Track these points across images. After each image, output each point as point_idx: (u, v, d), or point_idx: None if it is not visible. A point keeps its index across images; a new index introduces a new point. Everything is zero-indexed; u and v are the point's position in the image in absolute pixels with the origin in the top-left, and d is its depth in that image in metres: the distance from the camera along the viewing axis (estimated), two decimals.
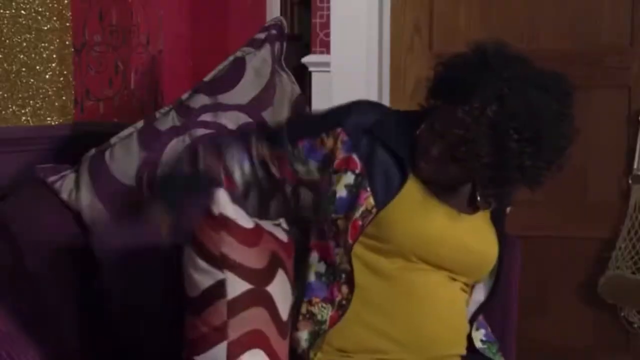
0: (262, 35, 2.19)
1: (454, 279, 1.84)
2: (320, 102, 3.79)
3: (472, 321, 1.90)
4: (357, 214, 1.77)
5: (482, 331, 1.94)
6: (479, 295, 1.91)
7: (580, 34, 2.84)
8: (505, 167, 1.70)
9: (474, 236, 1.85)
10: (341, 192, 1.79)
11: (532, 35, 2.94)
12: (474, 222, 1.85)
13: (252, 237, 1.64)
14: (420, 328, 1.79)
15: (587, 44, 2.87)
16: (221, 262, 1.59)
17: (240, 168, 1.85)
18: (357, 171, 1.79)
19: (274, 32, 2.20)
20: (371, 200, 1.77)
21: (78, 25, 2.38)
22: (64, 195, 2.02)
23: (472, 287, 1.91)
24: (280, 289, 1.69)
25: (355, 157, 1.80)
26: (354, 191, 1.78)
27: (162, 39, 2.66)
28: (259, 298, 1.63)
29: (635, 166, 2.89)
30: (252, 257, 1.63)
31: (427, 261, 1.80)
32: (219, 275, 1.59)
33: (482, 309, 1.91)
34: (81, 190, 2.01)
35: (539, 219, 2.93)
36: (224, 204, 1.62)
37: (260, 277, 1.64)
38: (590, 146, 2.90)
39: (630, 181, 2.90)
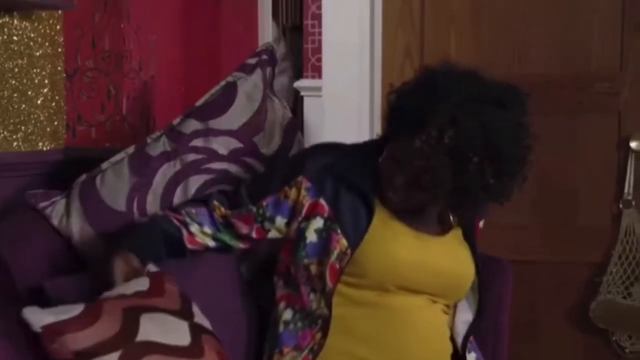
0: (253, 61, 2.20)
1: (435, 302, 1.84)
2: (313, 126, 3.80)
3: (464, 343, 1.90)
4: (333, 257, 1.77)
5: (474, 355, 1.94)
6: (467, 314, 1.91)
7: (570, 60, 2.86)
8: (470, 189, 1.72)
9: (448, 257, 1.85)
10: (311, 237, 1.80)
11: (522, 60, 2.96)
12: (446, 243, 1.86)
13: (88, 317, 1.54)
14: (404, 352, 1.78)
15: (577, 69, 2.88)
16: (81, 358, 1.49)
17: (202, 228, 1.88)
18: (326, 215, 1.80)
19: (265, 57, 2.21)
20: (344, 242, 1.77)
21: (70, 51, 2.39)
22: (55, 221, 2.02)
23: (455, 306, 1.91)
24: (152, 330, 1.58)
25: (322, 201, 1.81)
26: (324, 235, 1.79)
27: (154, 65, 2.67)
28: (134, 353, 1.53)
29: (625, 191, 2.90)
30: (100, 331, 1.52)
31: (406, 288, 1.81)
32: None
33: (472, 329, 1.91)
34: (72, 215, 2.01)
35: (530, 243, 2.93)
36: (36, 317, 1.51)
37: (123, 338, 1.53)
38: (581, 171, 2.91)
39: (621, 206, 2.90)
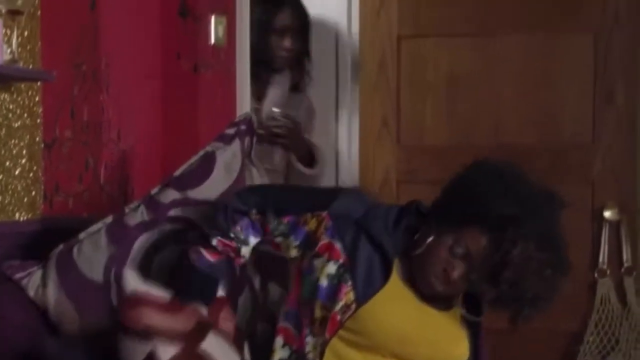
0: (231, 131, 2.22)
1: None
2: None
3: None
4: (337, 307, 1.76)
5: None
6: None
7: (544, 130, 2.91)
8: (543, 298, 1.78)
9: (447, 336, 1.85)
10: (323, 280, 1.78)
11: (497, 130, 3.00)
12: (448, 319, 1.86)
13: (170, 306, 1.67)
14: None
15: (550, 139, 2.93)
16: (146, 334, 1.61)
17: (249, 245, 1.87)
18: (340, 261, 1.78)
19: (243, 127, 2.23)
20: (351, 295, 1.76)
21: (49, 122, 2.40)
22: (31, 292, 2.00)
23: None
24: (216, 348, 1.67)
25: (338, 245, 1.79)
26: (335, 282, 1.77)
27: (133, 134, 2.69)
28: (192, 355, 1.64)
29: (600, 260, 2.93)
30: (175, 322, 1.65)
31: (398, 356, 1.80)
32: (147, 346, 1.61)
33: None
34: (48, 286, 2.00)
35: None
36: (132, 282, 1.69)
37: (189, 338, 1.65)
38: None
39: (596, 275, 2.93)
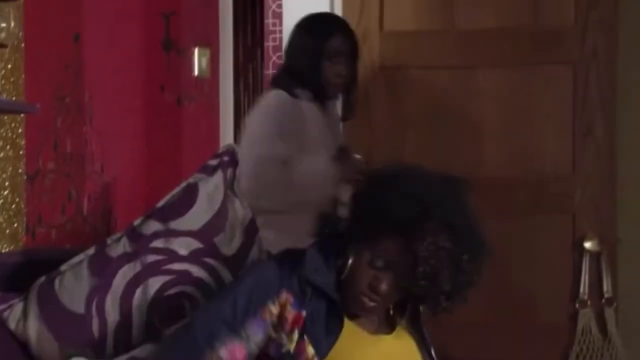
0: (214, 162, 2.23)
1: None
2: None
3: None
4: None
5: None
6: None
7: (525, 163, 2.93)
8: (459, 287, 1.75)
9: (405, 354, 1.86)
10: (293, 349, 1.78)
11: (478, 163, 3.02)
12: (397, 340, 1.86)
13: None
14: None
15: (531, 172, 2.95)
16: None
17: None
18: (300, 325, 1.78)
19: (226, 158, 2.24)
20: (311, 350, 1.77)
21: (32, 153, 2.40)
22: (12, 325, 1.99)
23: None
24: None
25: (303, 313, 1.78)
26: (298, 345, 1.78)
27: (116, 166, 2.70)
28: None
29: (581, 290, 2.94)
30: None
31: None
32: None
33: None
34: (29, 319, 1.99)
35: (489, 343, 2.94)
36: None
37: None
38: (538, 271, 2.95)
39: (577, 305, 2.94)
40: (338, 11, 3.14)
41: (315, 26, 2.83)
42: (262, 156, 2.73)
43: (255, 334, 1.80)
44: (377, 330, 1.85)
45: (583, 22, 2.98)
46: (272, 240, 2.43)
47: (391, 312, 1.87)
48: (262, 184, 2.70)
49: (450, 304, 1.79)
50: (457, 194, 1.78)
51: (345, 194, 2.59)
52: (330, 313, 1.79)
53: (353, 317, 1.82)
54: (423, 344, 1.90)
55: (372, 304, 1.78)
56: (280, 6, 3.29)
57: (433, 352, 1.92)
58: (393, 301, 1.83)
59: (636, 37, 3.02)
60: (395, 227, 1.74)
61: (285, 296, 1.80)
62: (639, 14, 3.03)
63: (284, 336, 1.79)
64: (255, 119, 2.85)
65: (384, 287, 1.76)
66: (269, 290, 1.80)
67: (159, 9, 2.83)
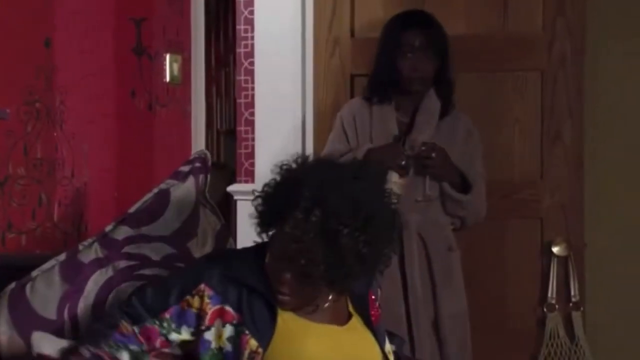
0: (186, 168, 2.23)
1: None
2: (245, 229, 3.79)
3: None
4: (244, 357, 1.79)
5: None
6: None
7: (494, 168, 2.95)
8: (345, 261, 1.75)
9: (355, 347, 1.88)
10: (227, 346, 1.81)
11: None
12: (350, 331, 1.88)
13: None
14: None
15: (500, 177, 2.97)
16: None
17: (129, 353, 1.85)
18: (235, 321, 1.81)
19: (198, 164, 2.25)
20: (253, 342, 1.79)
21: (2, 159, 2.39)
22: None
23: None
24: None
25: (228, 308, 1.81)
26: (237, 340, 1.80)
27: (86, 172, 2.69)
28: None
29: (549, 295, 2.97)
30: None
31: None
32: None
33: None
34: (0, 324, 1.98)
35: None
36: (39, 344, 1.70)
37: None
38: (507, 275, 2.97)
39: (545, 309, 2.97)
40: (309, 18, 3.15)
41: (389, 24, 2.82)
42: None
43: (174, 322, 1.83)
44: (328, 321, 1.86)
45: (551, 30, 3.01)
46: None
47: (326, 303, 1.87)
48: None
49: (351, 278, 1.79)
50: (354, 179, 1.79)
51: (393, 182, 2.61)
52: (266, 306, 1.82)
53: (305, 314, 1.84)
54: (376, 336, 1.92)
55: (285, 297, 1.80)
56: (252, 12, 3.29)
57: (387, 347, 1.94)
58: (314, 295, 1.82)
59: (603, 44, 3.06)
60: (273, 218, 1.78)
61: (202, 288, 1.82)
62: (606, 21, 3.07)
63: (206, 331, 1.81)
64: None
65: (286, 280, 1.77)
66: (188, 282, 1.84)
67: (129, 15, 2.84)
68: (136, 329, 1.85)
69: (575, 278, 2.96)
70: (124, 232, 2.12)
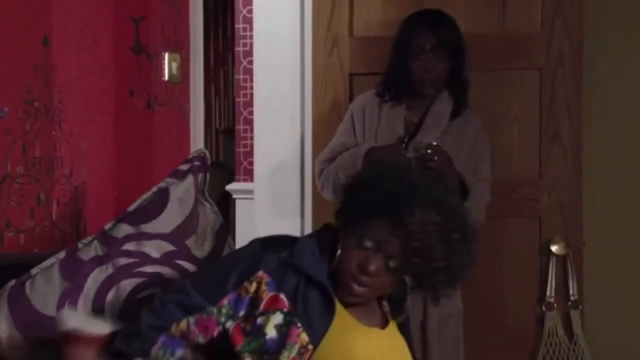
0: (185, 167, 2.23)
1: None
2: (244, 228, 3.80)
3: None
4: (294, 352, 1.76)
5: None
6: None
7: (493, 167, 2.95)
8: (458, 267, 1.78)
9: (394, 352, 1.88)
10: (271, 333, 1.78)
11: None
12: (389, 336, 1.88)
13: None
14: None
15: (499, 175, 2.97)
16: None
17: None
18: (286, 310, 1.79)
19: (197, 163, 2.25)
20: (304, 337, 1.77)
21: (0, 158, 2.39)
22: None
23: None
24: None
25: (282, 296, 1.79)
26: (284, 330, 1.78)
27: (85, 170, 2.69)
28: None
29: (548, 293, 2.97)
30: None
31: None
32: None
33: None
34: (0, 322, 1.98)
35: None
36: (73, 320, 1.75)
37: None
38: (505, 274, 2.98)
39: (543, 308, 2.97)
40: (308, 16, 3.15)
41: (403, 24, 2.81)
42: (322, 154, 2.83)
43: (232, 309, 1.81)
44: (370, 323, 1.86)
45: (549, 29, 3.02)
46: None
47: (385, 306, 1.89)
48: (320, 179, 2.81)
49: (446, 286, 1.81)
50: (438, 179, 1.86)
51: None
52: (323, 301, 1.80)
53: (348, 306, 1.83)
54: (410, 346, 1.92)
55: (361, 288, 1.78)
56: (250, 11, 3.30)
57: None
58: (384, 289, 1.83)
59: (601, 43, 3.07)
60: (383, 206, 1.76)
61: (261, 275, 1.81)
62: (604, 20, 3.08)
63: (258, 315, 1.79)
64: None
65: (372, 267, 1.76)
66: (246, 269, 1.82)
67: (128, 14, 2.83)
68: (191, 320, 1.81)
69: (573, 277, 2.97)
70: (123, 229, 2.12)
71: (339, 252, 1.81)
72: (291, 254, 1.83)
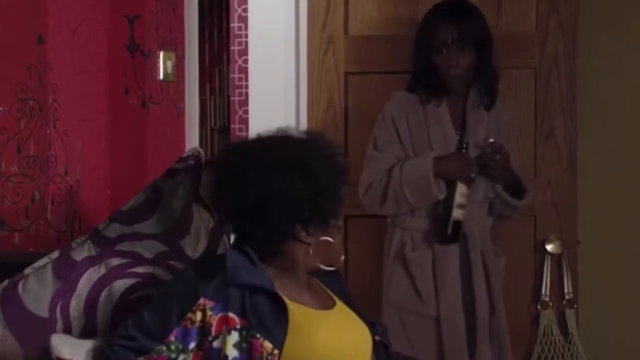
0: (179, 166, 2.23)
1: None
2: None
3: None
4: None
5: None
6: None
7: None
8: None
9: (352, 322, 1.91)
10: (232, 353, 1.79)
11: None
12: (342, 312, 1.91)
13: None
14: None
15: None
16: None
17: None
18: (239, 326, 1.79)
19: (191, 162, 2.24)
20: (267, 344, 1.78)
21: None
22: None
23: None
24: None
25: (231, 314, 1.80)
26: (245, 346, 1.79)
27: (79, 169, 2.69)
28: None
29: (543, 292, 2.98)
30: None
31: None
32: None
33: None
34: None
35: None
36: (58, 348, 1.75)
37: None
38: None
39: (538, 307, 2.98)
40: (303, 15, 3.16)
41: (424, 19, 2.74)
42: (367, 170, 2.77)
43: (180, 343, 1.80)
44: (322, 306, 1.88)
45: (544, 29, 3.02)
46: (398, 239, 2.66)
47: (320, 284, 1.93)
48: (364, 193, 2.75)
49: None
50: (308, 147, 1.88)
51: (460, 194, 2.61)
52: (273, 305, 1.81)
53: (302, 299, 1.85)
54: (363, 318, 1.94)
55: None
56: (246, 10, 3.29)
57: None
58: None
59: (595, 43, 3.07)
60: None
61: (202, 302, 1.81)
62: (598, 20, 3.08)
63: (212, 339, 1.79)
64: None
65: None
66: (186, 300, 1.81)
67: (123, 12, 2.83)
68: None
69: (568, 276, 2.97)
70: (116, 229, 2.11)
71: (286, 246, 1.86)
72: (227, 273, 1.83)
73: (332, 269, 1.93)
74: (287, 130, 1.93)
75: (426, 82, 2.71)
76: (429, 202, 2.67)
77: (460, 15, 2.67)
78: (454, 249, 2.67)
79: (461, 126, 2.72)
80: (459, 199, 2.60)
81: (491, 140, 2.64)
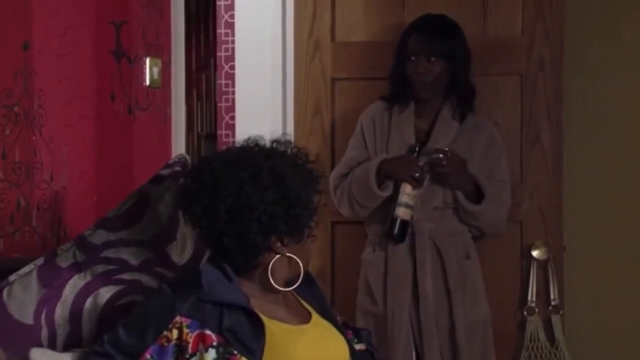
0: (166, 172, 2.23)
1: None
2: None
3: None
4: None
5: None
6: None
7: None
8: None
9: (330, 334, 1.90)
10: None
11: None
12: (318, 325, 1.91)
13: None
14: None
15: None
16: None
17: None
18: (215, 343, 1.78)
19: (177, 168, 2.24)
20: None
21: None
22: None
23: None
24: None
25: (208, 332, 1.78)
26: None
27: (65, 175, 2.68)
28: None
29: (529, 298, 2.99)
30: None
31: None
32: None
33: None
34: None
35: None
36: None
37: None
38: (487, 279, 2.98)
39: (525, 313, 2.98)
40: (290, 21, 3.16)
41: (404, 30, 2.86)
42: (335, 170, 2.90)
43: None
44: (298, 321, 1.88)
45: (530, 35, 3.04)
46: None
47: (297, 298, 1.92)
48: (336, 196, 2.86)
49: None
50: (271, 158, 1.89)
51: (406, 194, 2.68)
52: (249, 321, 1.80)
53: (271, 315, 1.84)
54: (339, 329, 1.94)
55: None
56: (232, 16, 3.30)
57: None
58: None
59: (581, 49, 3.09)
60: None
61: (179, 320, 1.79)
62: (584, 26, 3.10)
63: (192, 358, 1.78)
64: None
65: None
66: (162, 317, 1.80)
67: (109, 19, 2.82)
68: None
69: (554, 281, 2.98)
70: (102, 236, 2.11)
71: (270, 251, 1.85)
72: (202, 291, 1.82)
73: (304, 276, 1.92)
74: (257, 140, 1.92)
75: (395, 88, 2.83)
76: (373, 200, 2.77)
77: (433, 28, 2.80)
78: (404, 250, 2.75)
79: (425, 134, 2.78)
80: (403, 198, 2.70)
81: (440, 148, 2.71)
